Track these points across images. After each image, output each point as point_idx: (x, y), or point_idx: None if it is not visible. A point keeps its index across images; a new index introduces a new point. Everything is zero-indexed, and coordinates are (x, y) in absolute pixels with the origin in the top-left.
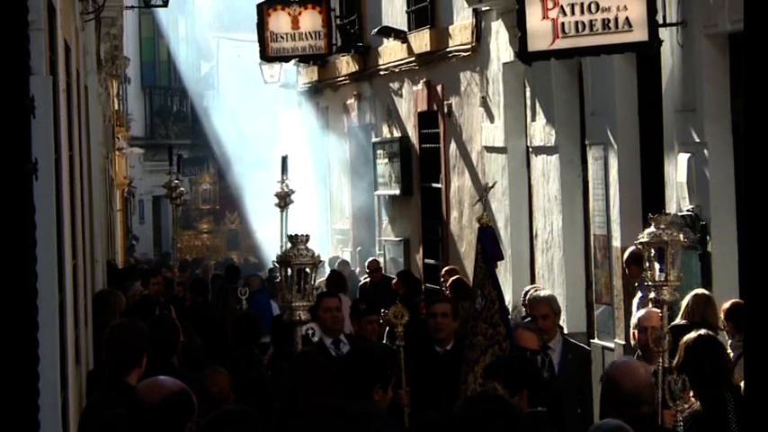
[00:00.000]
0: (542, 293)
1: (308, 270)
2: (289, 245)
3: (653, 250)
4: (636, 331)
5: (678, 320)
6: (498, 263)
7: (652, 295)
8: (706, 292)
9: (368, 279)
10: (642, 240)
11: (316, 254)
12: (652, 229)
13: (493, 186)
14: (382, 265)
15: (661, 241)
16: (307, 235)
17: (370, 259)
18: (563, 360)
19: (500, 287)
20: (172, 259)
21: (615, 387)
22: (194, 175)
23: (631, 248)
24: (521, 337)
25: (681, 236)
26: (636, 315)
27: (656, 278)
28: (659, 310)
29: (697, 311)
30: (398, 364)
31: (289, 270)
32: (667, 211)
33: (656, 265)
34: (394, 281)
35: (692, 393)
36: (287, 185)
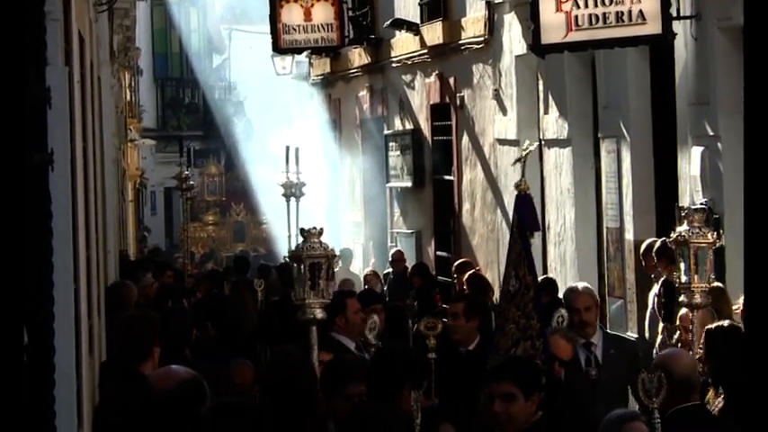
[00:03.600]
0: (580, 285)
1: (322, 265)
2: (297, 236)
3: (683, 250)
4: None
5: None
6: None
7: (683, 299)
8: (720, 285)
9: (391, 270)
10: (671, 239)
11: (329, 247)
12: (684, 227)
13: (532, 149)
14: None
15: (691, 242)
16: (321, 228)
17: (394, 249)
18: (605, 356)
19: (536, 272)
20: (181, 251)
21: (668, 375)
22: (203, 166)
23: (649, 241)
24: (555, 345)
25: (712, 235)
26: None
27: (685, 280)
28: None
29: (712, 305)
30: (429, 367)
31: (301, 265)
32: (690, 207)
33: (683, 266)
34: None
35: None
36: (297, 176)
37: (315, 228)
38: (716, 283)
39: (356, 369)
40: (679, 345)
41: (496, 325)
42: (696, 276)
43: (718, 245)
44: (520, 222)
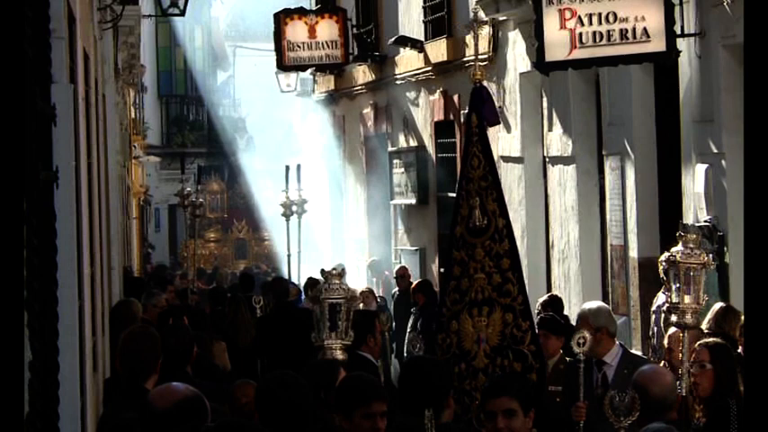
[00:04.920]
0: (584, 307)
1: (341, 306)
2: (299, 255)
3: (677, 270)
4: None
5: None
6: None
7: (674, 318)
8: (724, 304)
9: (396, 289)
10: (667, 260)
11: (350, 288)
12: (679, 247)
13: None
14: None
15: (688, 263)
16: (342, 269)
17: (399, 266)
18: (618, 375)
19: (507, 211)
20: (183, 268)
21: (644, 393)
22: (206, 183)
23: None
24: (544, 343)
25: (709, 257)
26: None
27: (676, 300)
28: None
29: (716, 322)
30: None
31: (321, 306)
32: (694, 224)
33: (675, 286)
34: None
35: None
36: (299, 193)
37: (335, 269)
38: (724, 304)
39: (377, 386)
40: (663, 363)
41: (454, 256)
42: (686, 297)
43: (712, 267)
44: (478, 119)
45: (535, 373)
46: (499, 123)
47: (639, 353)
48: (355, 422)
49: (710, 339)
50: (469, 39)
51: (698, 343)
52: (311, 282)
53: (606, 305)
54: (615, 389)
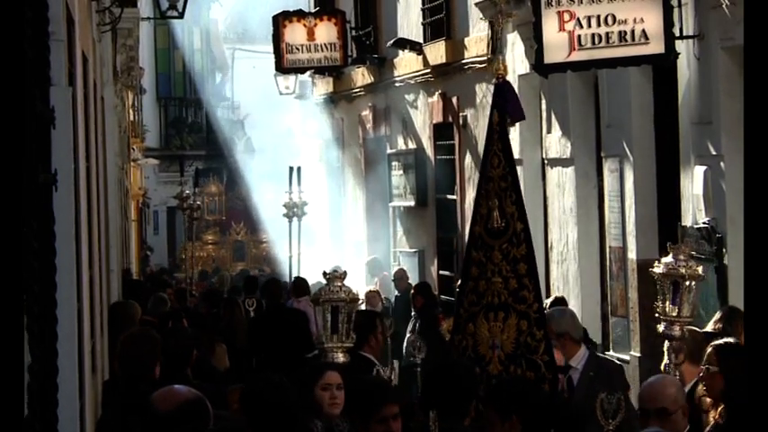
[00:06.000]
0: (551, 312)
1: (342, 308)
2: (299, 257)
3: (668, 282)
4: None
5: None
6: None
7: (661, 329)
8: (730, 306)
9: (396, 291)
10: (657, 272)
11: (352, 291)
12: (669, 259)
13: (510, 18)
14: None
15: (678, 275)
16: (344, 271)
17: (397, 268)
18: (583, 378)
19: (525, 215)
20: (182, 270)
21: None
22: (204, 185)
23: None
24: None
25: (699, 268)
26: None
27: (668, 312)
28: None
29: (720, 324)
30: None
31: (322, 309)
32: (692, 226)
33: (669, 298)
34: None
35: (711, 402)
36: (299, 196)
37: (337, 271)
38: (730, 306)
39: (388, 389)
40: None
41: (473, 256)
42: (675, 308)
43: (702, 279)
44: (500, 117)
45: (548, 384)
46: (524, 119)
47: (638, 354)
48: (371, 428)
49: (721, 341)
50: (468, 41)
51: (710, 345)
52: (298, 281)
53: (572, 311)
54: (581, 392)
